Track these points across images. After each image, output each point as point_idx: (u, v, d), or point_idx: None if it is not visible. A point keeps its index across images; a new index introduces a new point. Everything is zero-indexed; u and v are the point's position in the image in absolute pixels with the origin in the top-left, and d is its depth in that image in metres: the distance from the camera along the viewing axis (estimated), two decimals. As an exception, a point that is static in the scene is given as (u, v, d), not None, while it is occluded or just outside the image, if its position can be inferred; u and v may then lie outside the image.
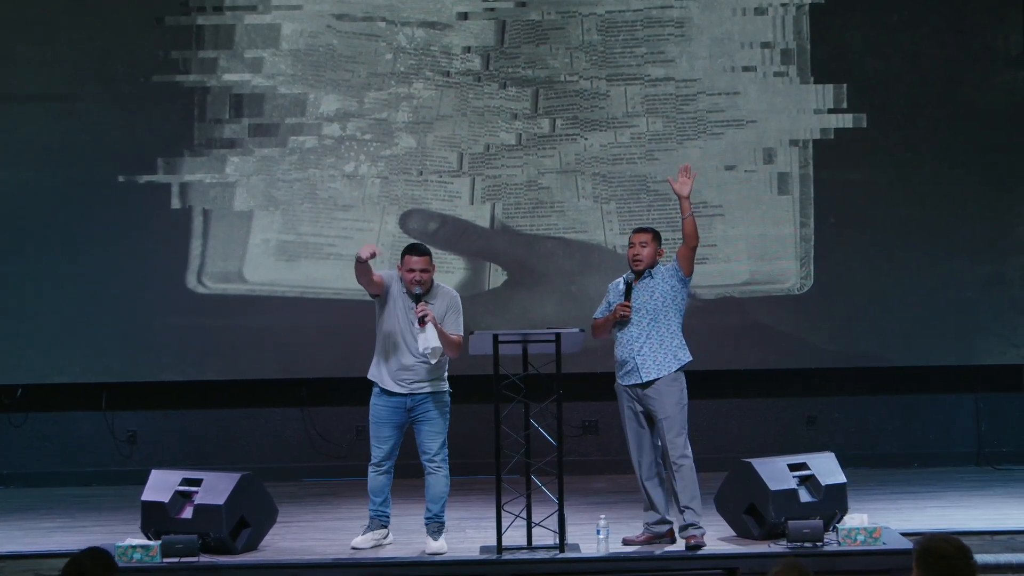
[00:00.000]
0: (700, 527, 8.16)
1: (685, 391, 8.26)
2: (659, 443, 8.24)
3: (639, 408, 8.26)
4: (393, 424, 8.36)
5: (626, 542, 8.35)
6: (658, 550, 8.21)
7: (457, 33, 11.34)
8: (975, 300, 11.38)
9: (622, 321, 8.27)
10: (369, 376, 8.48)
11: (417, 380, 8.35)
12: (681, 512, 8.17)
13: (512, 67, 11.33)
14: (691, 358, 8.27)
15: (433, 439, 8.36)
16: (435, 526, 8.38)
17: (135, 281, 11.21)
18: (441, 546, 8.31)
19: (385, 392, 8.36)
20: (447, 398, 8.45)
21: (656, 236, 8.40)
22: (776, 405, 11.63)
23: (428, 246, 8.52)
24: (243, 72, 11.26)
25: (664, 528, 8.32)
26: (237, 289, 11.28)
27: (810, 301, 11.35)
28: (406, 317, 8.32)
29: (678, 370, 8.22)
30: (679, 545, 8.22)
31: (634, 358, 8.23)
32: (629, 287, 8.30)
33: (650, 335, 8.23)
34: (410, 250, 8.38)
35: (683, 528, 8.18)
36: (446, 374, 8.47)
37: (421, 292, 8.26)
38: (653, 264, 8.34)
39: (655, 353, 8.21)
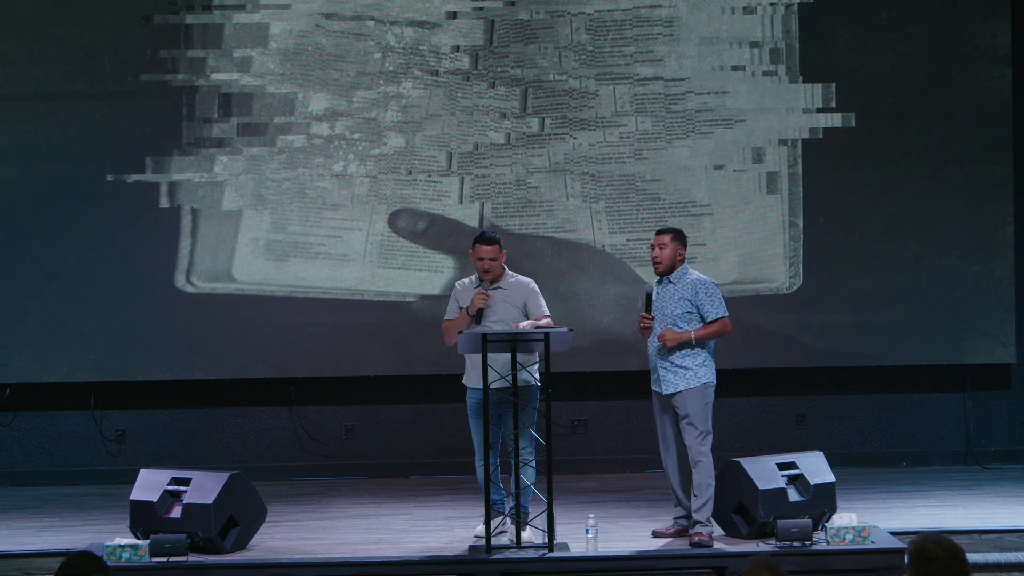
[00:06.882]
0: (708, 525, 8.19)
1: (711, 392, 8.26)
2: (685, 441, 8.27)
3: (668, 408, 8.28)
4: None
5: (655, 534, 8.47)
6: (678, 545, 8.25)
7: (446, 32, 11.33)
8: (963, 299, 11.39)
9: (646, 329, 8.28)
10: (468, 383, 8.46)
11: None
12: (693, 510, 8.21)
13: (501, 66, 11.32)
14: (714, 380, 8.27)
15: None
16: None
17: (123, 280, 11.19)
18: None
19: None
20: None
21: (677, 236, 8.26)
22: (765, 404, 11.63)
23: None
24: (232, 71, 11.24)
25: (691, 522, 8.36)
26: (226, 288, 11.26)
27: (799, 300, 11.35)
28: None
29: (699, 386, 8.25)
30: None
31: (657, 368, 8.25)
32: (649, 298, 8.26)
33: (672, 348, 8.21)
34: (479, 238, 8.55)
35: (691, 524, 8.22)
36: None
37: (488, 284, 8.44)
38: (674, 266, 8.27)
39: (676, 367, 8.19)
